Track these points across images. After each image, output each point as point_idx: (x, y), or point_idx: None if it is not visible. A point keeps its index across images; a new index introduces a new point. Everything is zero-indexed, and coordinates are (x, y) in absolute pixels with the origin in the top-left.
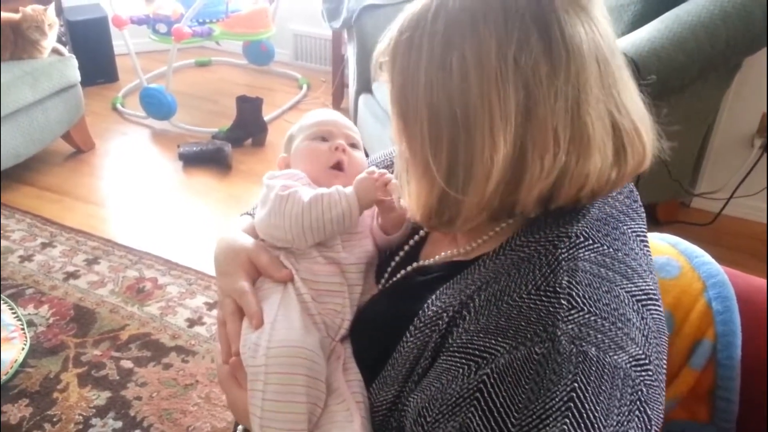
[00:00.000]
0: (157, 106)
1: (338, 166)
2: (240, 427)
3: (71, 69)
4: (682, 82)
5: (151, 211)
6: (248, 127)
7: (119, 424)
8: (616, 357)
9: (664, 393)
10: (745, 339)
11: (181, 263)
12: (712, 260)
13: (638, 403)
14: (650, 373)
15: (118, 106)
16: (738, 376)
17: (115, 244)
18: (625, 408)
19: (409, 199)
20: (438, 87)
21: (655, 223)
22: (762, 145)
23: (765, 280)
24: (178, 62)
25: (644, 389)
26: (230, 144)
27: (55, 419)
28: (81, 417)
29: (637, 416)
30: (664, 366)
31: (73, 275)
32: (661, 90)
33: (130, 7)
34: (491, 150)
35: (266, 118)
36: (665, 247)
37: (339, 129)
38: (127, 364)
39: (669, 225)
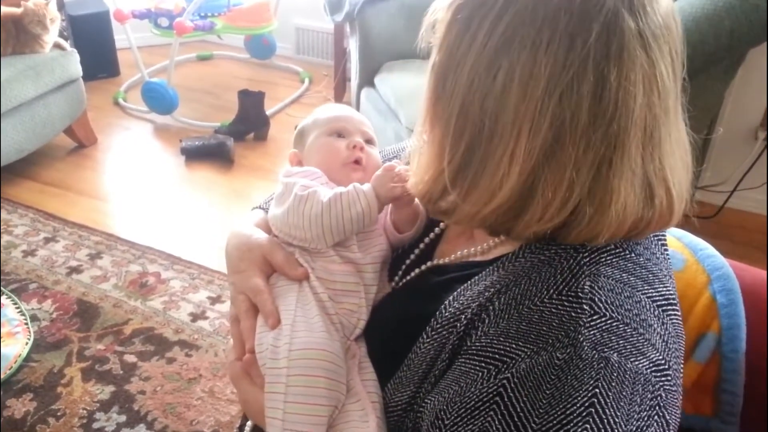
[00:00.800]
0: (159, 100)
1: (357, 164)
2: (249, 424)
3: (73, 63)
4: (686, 73)
5: (154, 205)
6: (250, 121)
7: (123, 418)
8: (637, 363)
9: (681, 397)
10: (749, 332)
11: (184, 258)
12: (717, 253)
13: (657, 408)
14: (669, 378)
15: (120, 100)
16: (742, 370)
17: (118, 239)
18: (645, 413)
19: (415, 173)
20: (477, 87)
21: None
22: (766, 137)
23: None
24: (179, 56)
25: (663, 394)
26: (232, 138)
27: (59, 414)
28: (85, 411)
29: (656, 421)
30: (681, 371)
31: (76, 270)
32: None
33: (132, 1)
34: (504, 173)
35: (268, 112)
36: (670, 240)
37: (355, 125)
38: (130, 358)
39: None
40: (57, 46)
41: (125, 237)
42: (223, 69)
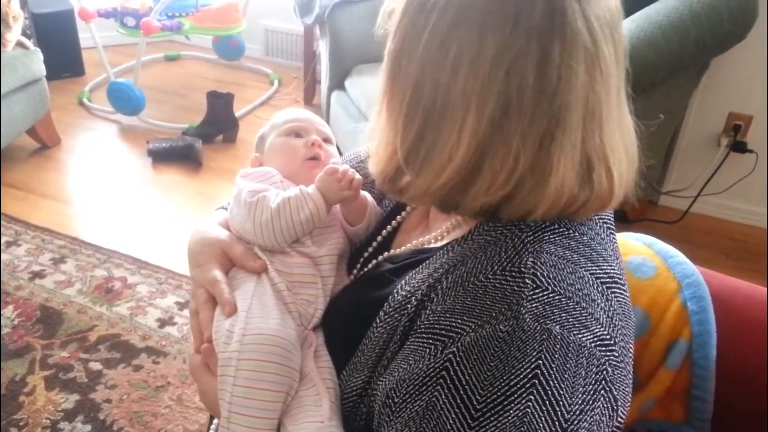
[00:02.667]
0: (125, 100)
1: (316, 160)
2: (214, 423)
3: (36, 63)
4: (653, 80)
5: (120, 208)
6: (219, 123)
7: (88, 427)
8: (580, 336)
9: (631, 376)
10: (719, 339)
11: (152, 262)
12: (687, 260)
13: (603, 382)
14: (615, 354)
15: (85, 100)
16: (713, 376)
17: (82, 243)
18: (590, 387)
19: (374, 156)
20: (430, 67)
21: (624, 221)
22: (728, 144)
23: (739, 280)
24: (146, 56)
25: (609, 369)
26: (201, 140)
27: (21, 423)
28: (49, 421)
29: (603, 396)
30: (631, 350)
31: (39, 275)
32: (633, 89)
33: None
34: (453, 147)
35: (237, 114)
36: (641, 248)
37: (312, 125)
38: (96, 365)
39: (638, 223)
40: (20, 44)
41: (90, 241)
42: (191, 69)
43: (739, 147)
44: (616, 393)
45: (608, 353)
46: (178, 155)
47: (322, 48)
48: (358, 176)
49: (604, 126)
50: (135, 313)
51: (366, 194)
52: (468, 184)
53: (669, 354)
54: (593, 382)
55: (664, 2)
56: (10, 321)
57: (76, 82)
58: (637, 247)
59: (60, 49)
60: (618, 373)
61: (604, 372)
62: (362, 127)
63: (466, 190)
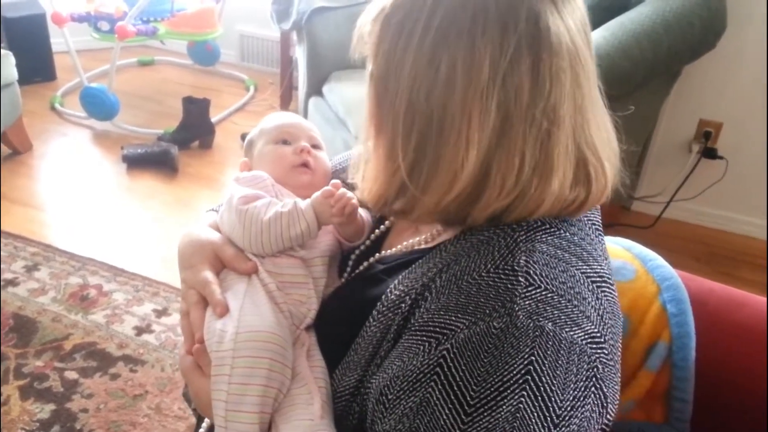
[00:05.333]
0: (99, 106)
1: (305, 167)
2: (205, 424)
3: (8, 67)
4: (627, 88)
5: (94, 215)
6: (195, 128)
7: None
8: (571, 333)
9: (619, 373)
10: (698, 340)
11: (128, 269)
12: (666, 263)
13: (594, 379)
14: (605, 351)
15: (57, 105)
16: (692, 377)
17: (56, 250)
18: (581, 383)
19: (364, 181)
20: (421, 83)
21: None
22: (699, 150)
23: (715, 283)
24: (119, 61)
25: (600, 366)
26: (177, 146)
27: None
28: (24, 431)
29: (594, 392)
30: (619, 348)
31: (11, 282)
32: (608, 96)
33: (70, 3)
34: (460, 161)
35: (213, 119)
36: (620, 251)
37: (302, 131)
38: (71, 375)
39: (611, 228)
40: None
41: (64, 248)
42: (166, 75)
43: (709, 153)
44: (606, 390)
45: (599, 350)
46: (153, 161)
47: (299, 54)
48: (354, 201)
49: (590, 120)
50: (111, 321)
51: (362, 212)
52: (478, 195)
53: (649, 356)
54: (584, 378)
55: (637, 11)
56: None
57: (47, 87)
58: (616, 251)
59: (31, 53)
60: (608, 371)
61: (595, 369)
62: (341, 134)
63: (477, 200)
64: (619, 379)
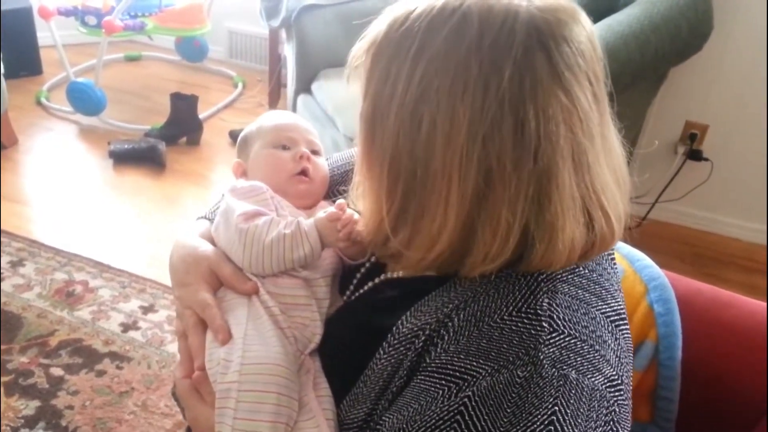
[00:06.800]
0: (85, 101)
1: (303, 175)
2: None
3: None
4: (615, 89)
5: (80, 210)
6: (183, 125)
7: None
8: (593, 379)
9: (631, 410)
10: (685, 340)
11: (114, 265)
12: (653, 263)
13: (612, 423)
14: (622, 392)
15: (43, 100)
16: (679, 377)
17: (41, 245)
18: (600, 429)
19: (362, 219)
20: (404, 136)
21: None
22: (685, 152)
23: (702, 283)
24: (106, 56)
25: (617, 409)
26: (164, 142)
27: None
28: (8, 428)
29: None
30: (631, 383)
31: None
32: None
33: None
34: (441, 221)
35: (201, 116)
36: None
37: (301, 135)
38: (57, 371)
39: None
40: None
41: (49, 243)
42: (153, 70)
43: (695, 155)
44: (621, 431)
45: (616, 393)
46: (140, 157)
47: (288, 51)
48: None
49: (593, 170)
50: (97, 318)
51: None
52: (463, 255)
53: (636, 355)
54: (603, 423)
55: (625, 13)
56: None
57: (33, 81)
58: None
59: (17, 47)
60: (623, 411)
61: (613, 413)
62: (330, 132)
63: (462, 260)
64: (631, 414)
